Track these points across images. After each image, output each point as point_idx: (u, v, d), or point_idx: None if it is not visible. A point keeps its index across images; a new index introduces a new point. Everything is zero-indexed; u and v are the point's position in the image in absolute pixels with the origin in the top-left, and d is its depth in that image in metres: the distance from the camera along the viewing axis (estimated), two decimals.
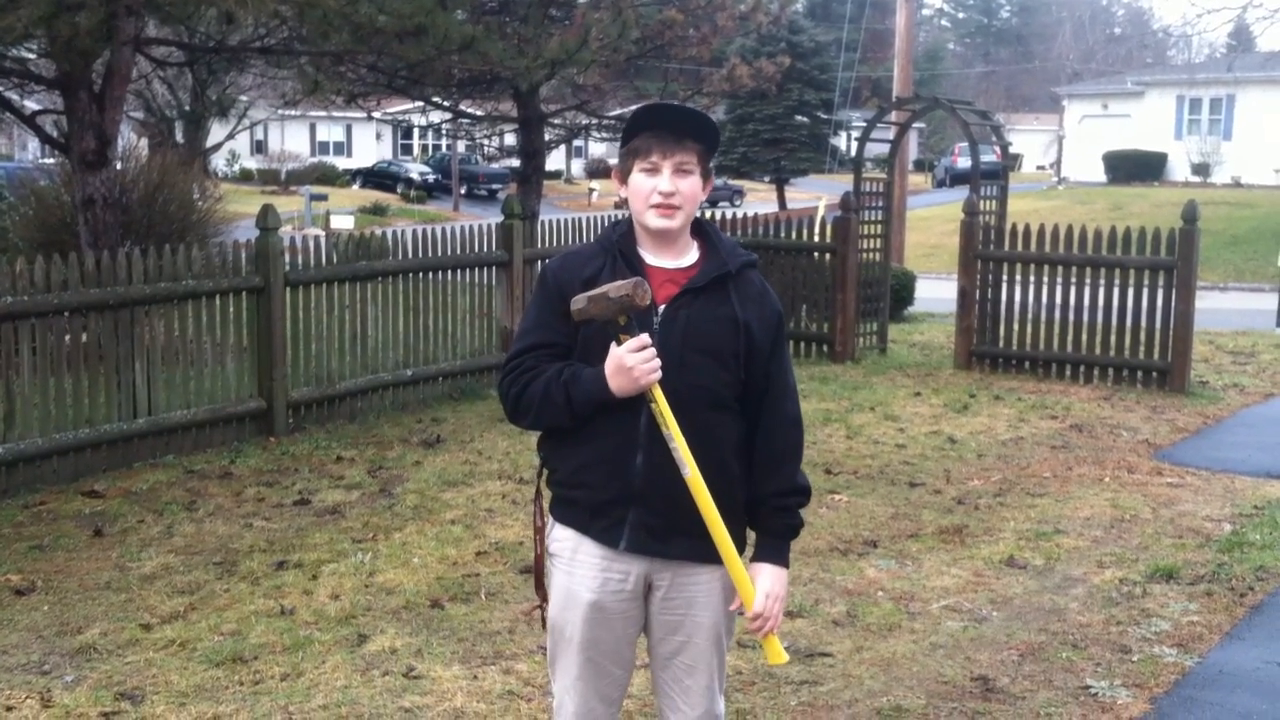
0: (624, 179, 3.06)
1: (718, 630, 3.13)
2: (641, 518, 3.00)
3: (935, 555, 6.41)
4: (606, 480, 3.00)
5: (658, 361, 2.87)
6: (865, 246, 12.77)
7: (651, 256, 3.05)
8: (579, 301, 2.90)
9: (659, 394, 2.89)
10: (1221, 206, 31.03)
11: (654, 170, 2.99)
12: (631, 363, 2.86)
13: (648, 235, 3.05)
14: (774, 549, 3.11)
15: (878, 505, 7.24)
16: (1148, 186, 40.74)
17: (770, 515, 3.11)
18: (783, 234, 12.75)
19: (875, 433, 9.05)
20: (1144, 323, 10.85)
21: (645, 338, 2.87)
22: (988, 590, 5.92)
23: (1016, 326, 11.58)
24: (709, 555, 3.01)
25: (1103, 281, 11.05)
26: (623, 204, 3.12)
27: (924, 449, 8.60)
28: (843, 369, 11.76)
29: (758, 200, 47.05)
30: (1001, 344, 11.66)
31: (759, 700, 4.71)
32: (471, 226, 10.35)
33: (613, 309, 2.84)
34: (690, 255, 3.09)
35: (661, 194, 2.98)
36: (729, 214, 13.14)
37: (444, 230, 10.09)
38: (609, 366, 2.90)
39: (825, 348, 12.32)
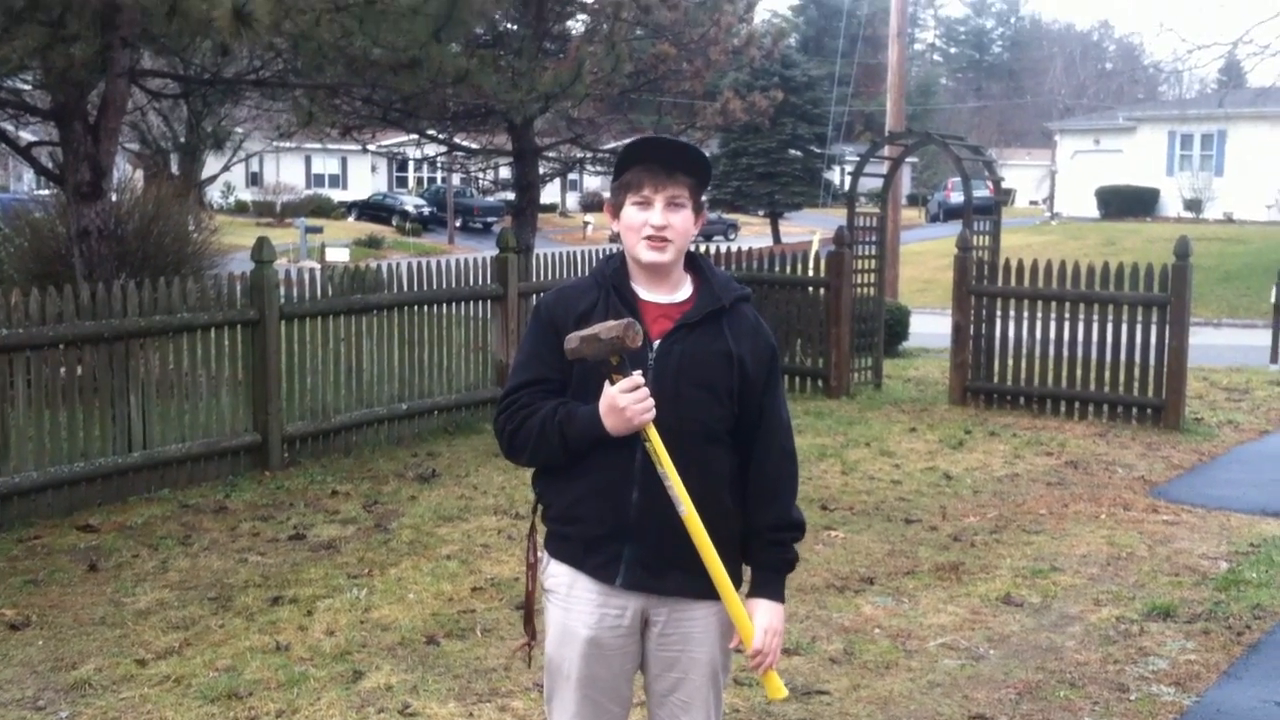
0: (616, 213, 3.07)
1: (714, 667, 3.12)
2: (637, 554, 3.00)
3: (932, 592, 6.39)
4: (602, 515, 3.00)
5: (651, 401, 2.87)
6: (859, 281, 12.78)
7: (645, 291, 3.06)
8: (571, 341, 2.90)
9: (653, 433, 2.89)
10: (1214, 242, 31.15)
11: (646, 204, 3.00)
12: (624, 403, 2.85)
13: (641, 269, 3.06)
14: (770, 584, 3.10)
15: (874, 542, 7.23)
16: (1140, 222, 40.92)
17: (765, 549, 3.10)
18: (776, 268, 12.77)
19: (871, 468, 9.04)
20: (1138, 359, 10.86)
21: (638, 378, 2.87)
22: (985, 628, 5.90)
23: (1011, 362, 11.59)
24: (705, 591, 3.00)
25: (1096, 317, 11.07)
26: (617, 237, 3.13)
27: (920, 485, 8.59)
28: (837, 404, 11.76)
29: (752, 234, 47.20)
30: (996, 379, 11.68)
31: None
32: (466, 260, 10.37)
33: (604, 350, 2.85)
34: (684, 289, 3.09)
35: (654, 227, 2.98)
36: (723, 248, 13.17)
37: (439, 263, 10.10)
38: (602, 406, 2.90)
39: (820, 383, 12.33)
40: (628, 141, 3.12)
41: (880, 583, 6.54)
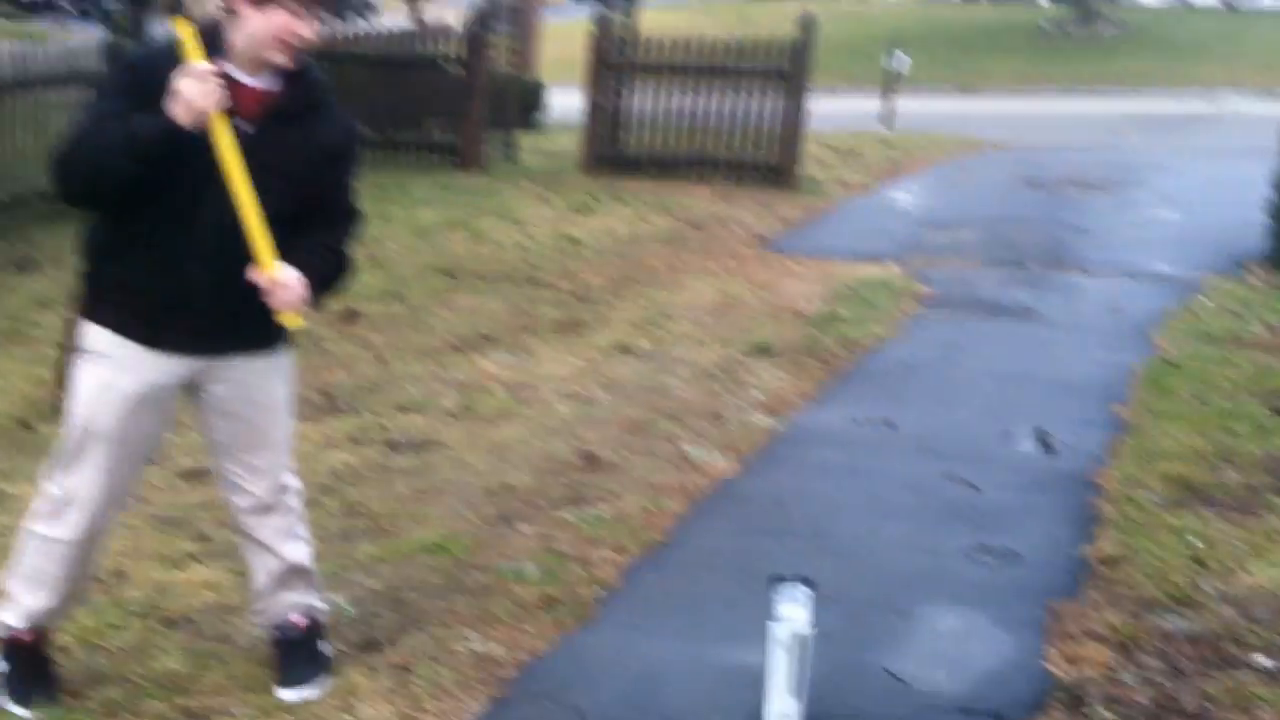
0: (259, 3, 2.86)
1: (277, 410, 3.19)
2: (195, 324, 2.99)
3: (550, 347, 6.57)
4: (163, 287, 2.96)
5: (213, 90, 2.77)
6: (497, 58, 12.69)
7: (238, 71, 2.93)
8: None
9: (220, 129, 2.82)
10: (844, 21, 32.30)
11: (298, 13, 2.88)
12: (184, 86, 2.75)
13: (242, 50, 2.91)
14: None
15: (497, 304, 7.34)
16: (779, 1, 41.86)
17: (309, 255, 3.03)
18: (415, 46, 12.53)
19: (499, 236, 9.10)
20: (762, 125, 11.40)
21: (208, 67, 2.77)
22: (599, 375, 6.13)
23: (644, 133, 11.91)
24: (262, 345, 3.07)
25: (724, 88, 11.51)
26: None
27: (546, 249, 8.74)
28: (470, 177, 11.70)
29: (392, 14, 45.68)
30: (626, 148, 11.94)
31: (371, 492, 4.74)
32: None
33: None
34: (276, 77, 2.98)
35: (300, 39, 2.89)
36: (358, 27, 12.72)
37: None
38: (170, 93, 2.78)
39: (453, 156, 12.22)
40: None
41: (501, 341, 6.65)
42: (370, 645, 3.59)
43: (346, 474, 4.89)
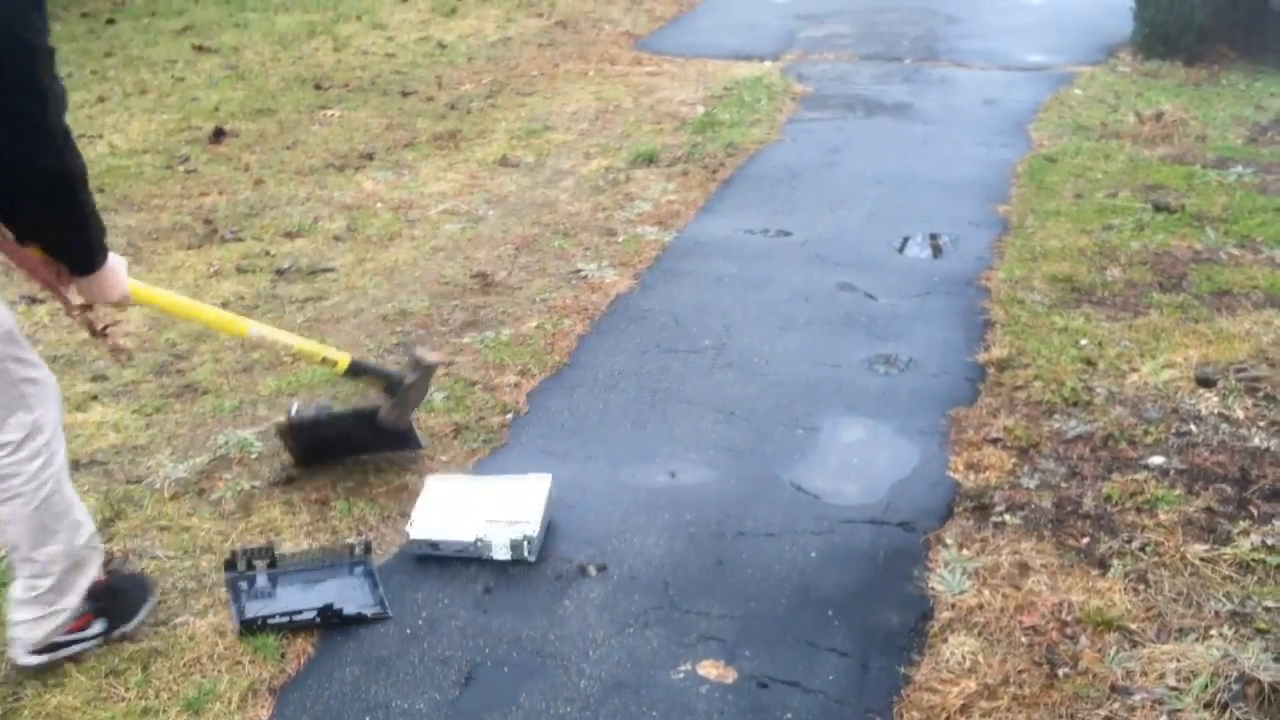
0: None
1: None
2: None
3: (431, 162, 6.44)
4: None
5: None
6: None
7: None
8: None
9: None
10: None
11: None
12: None
13: None
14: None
15: (371, 117, 7.13)
16: None
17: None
18: None
19: (364, 43, 8.79)
20: None
21: None
22: (483, 191, 6.04)
23: None
24: None
25: None
26: None
27: (414, 56, 8.47)
28: None
29: None
30: None
31: (264, 322, 4.64)
32: None
33: None
34: None
35: None
36: None
37: None
38: None
39: None
40: None
41: (380, 157, 6.50)
42: (285, 481, 3.58)
43: (237, 304, 4.79)
